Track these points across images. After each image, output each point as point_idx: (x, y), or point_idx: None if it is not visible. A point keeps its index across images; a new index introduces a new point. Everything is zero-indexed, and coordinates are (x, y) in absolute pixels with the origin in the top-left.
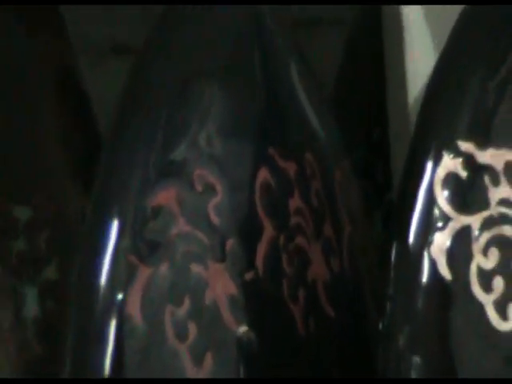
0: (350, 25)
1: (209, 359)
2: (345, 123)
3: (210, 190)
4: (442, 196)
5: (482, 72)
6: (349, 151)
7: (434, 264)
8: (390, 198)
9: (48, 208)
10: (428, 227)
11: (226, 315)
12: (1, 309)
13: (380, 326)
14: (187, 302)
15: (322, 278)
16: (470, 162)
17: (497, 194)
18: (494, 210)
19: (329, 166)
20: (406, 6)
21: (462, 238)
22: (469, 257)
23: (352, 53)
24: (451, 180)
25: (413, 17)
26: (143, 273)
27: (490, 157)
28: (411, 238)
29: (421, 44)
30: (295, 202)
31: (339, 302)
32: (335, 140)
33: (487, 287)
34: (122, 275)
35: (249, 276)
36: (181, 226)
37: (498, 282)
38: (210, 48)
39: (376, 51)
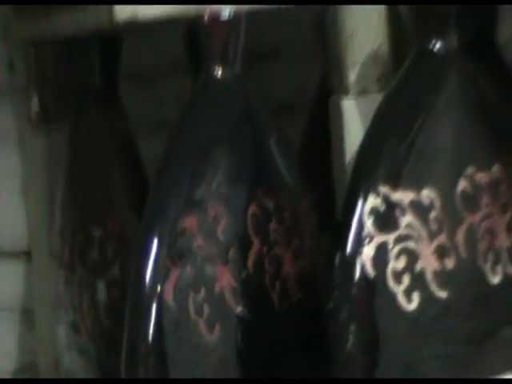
0: (309, 111)
1: (217, 328)
2: (307, 173)
3: (218, 217)
4: (368, 222)
5: (393, 140)
6: (309, 191)
7: (363, 266)
8: (336, 222)
9: (114, 228)
10: (359, 242)
11: (229, 299)
12: (82, 295)
13: (329, 304)
14: (203, 291)
15: (292, 273)
16: (386, 199)
17: (404, 220)
18: (402, 231)
19: (296, 201)
20: (346, 99)
21: (382, 249)
22: (386, 262)
23: (310, 130)
24: (374, 211)
25: (349, 106)
26: (175, 272)
27: (399, 196)
28: (348, 249)
29: (354, 124)
30: (273, 225)
31: (304, 289)
32: (300, 184)
33: (398, 281)
34: (161, 274)
35: (244, 274)
36: (199, 241)
37: (405, 278)
38: (218, 125)
39: (325, 128)
